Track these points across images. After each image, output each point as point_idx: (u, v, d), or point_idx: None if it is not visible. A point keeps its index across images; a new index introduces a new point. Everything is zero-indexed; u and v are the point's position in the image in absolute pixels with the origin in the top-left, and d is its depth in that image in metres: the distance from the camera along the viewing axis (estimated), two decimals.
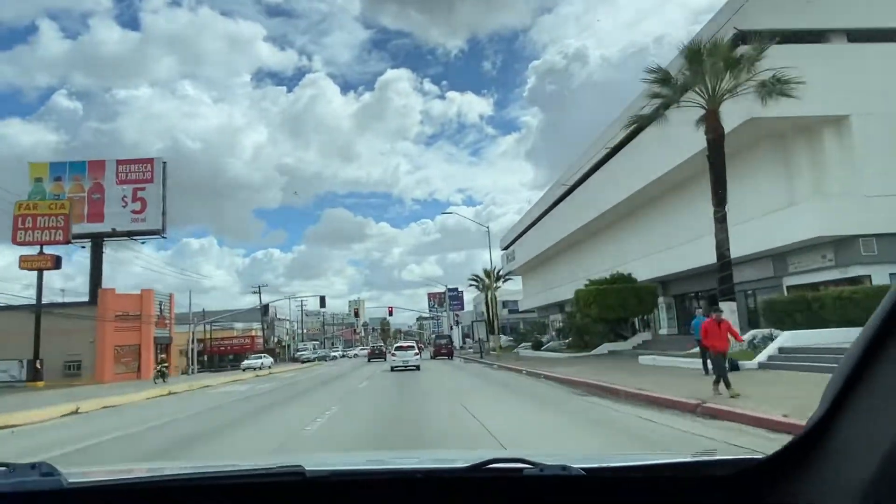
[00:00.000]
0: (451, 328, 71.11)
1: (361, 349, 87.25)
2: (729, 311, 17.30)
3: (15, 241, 42.15)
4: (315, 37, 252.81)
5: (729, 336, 10.39)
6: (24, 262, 41.18)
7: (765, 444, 6.04)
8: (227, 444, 8.53)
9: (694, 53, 17.07)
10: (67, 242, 43.60)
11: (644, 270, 31.07)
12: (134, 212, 48.98)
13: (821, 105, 20.63)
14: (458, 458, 1.60)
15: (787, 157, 23.05)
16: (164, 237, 50.68)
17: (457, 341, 61.20)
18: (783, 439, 1.34)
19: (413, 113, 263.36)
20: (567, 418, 9.71)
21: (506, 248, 64.23)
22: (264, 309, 57.83)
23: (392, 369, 28.33)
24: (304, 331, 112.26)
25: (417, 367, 28.05)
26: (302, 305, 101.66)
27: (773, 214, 22.89)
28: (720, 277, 17.99)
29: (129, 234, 48.86)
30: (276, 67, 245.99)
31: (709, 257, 27.10)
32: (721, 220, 17.80)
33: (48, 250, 43.13)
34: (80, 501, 1.36)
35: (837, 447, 0.99)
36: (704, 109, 18.05)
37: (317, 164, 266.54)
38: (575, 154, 44.37)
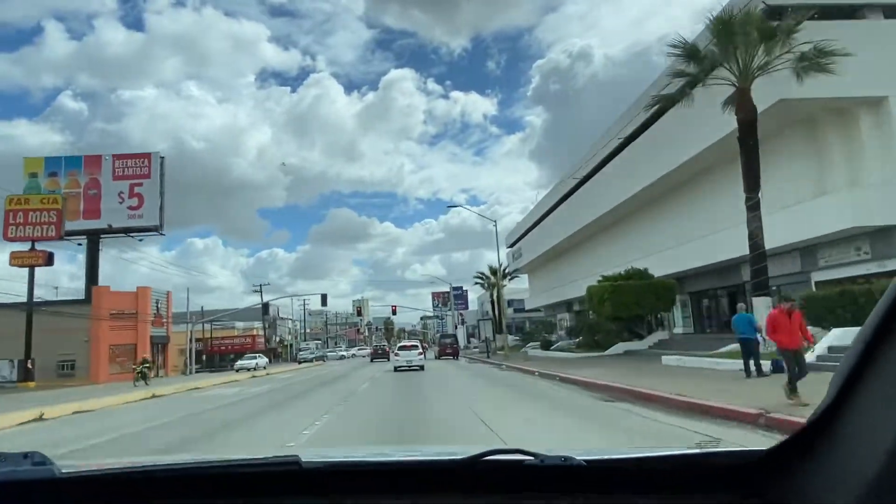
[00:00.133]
0: (456, 327, 69.63)
1: (360, 349, 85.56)
2: (764, 306, 15.82)
3: (6, 237, 40.85)
4: (319, 37, 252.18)
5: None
6: (15, 259, 39.88)
7: None
8: None
9: (724, 25, 15.55)
10: (60, 238, 42.27)
11: (658, 267, 29.54)
12: (131, 208, 47.68)
13: (856, 86, 19.10)
14: (460, 451, 1.42)
15: (817, 143, 21.54)
16: (161, 234, 49.34)
17: (461, 341, 59.70)
18: None
19: (417, 112, 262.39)
20: (601, 430, 8.23)
21: (512, 245, 62.70)
22: (265, 308, 56.35)
23: (395, 369, 27.54)
24: (308, 330, 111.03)
25: (421, 368, 27.28)
26: (304, 305, 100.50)
27: (802, 205, 21.38)
28: (753, 270, 16.47)
29: (126, 231, 47.54)
30: (280, 67, 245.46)
31: (728, 252, 25.72)
32: (754, 207, 16.30)
33: (41, 246, 41.86)
34: (72, 491, 1.34)
35: (841, 439, 0.97)
36: (735, 87, 16.55)
37: (321, 163, 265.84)
38: (582, 150, 42.95)
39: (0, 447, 1.70)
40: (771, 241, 22.38)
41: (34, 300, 40.55)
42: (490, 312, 58.09)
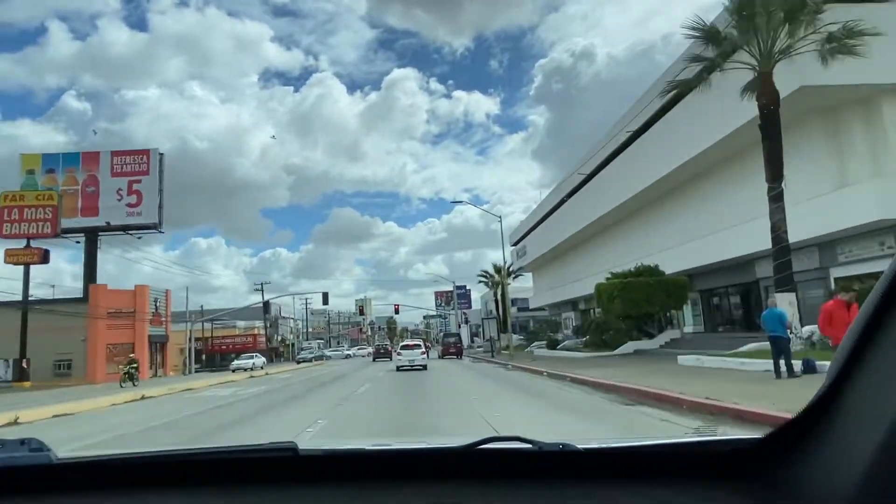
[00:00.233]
0: (459, 326, 68.78)
1: (360, 349, 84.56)
2: (787, 303, 14.94)
3: (1, 235, 40.08)
4: (321, 36, 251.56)
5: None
6: (10, 257, 39.11)
7: None
8: None
9: (746, 4, 14.62)
10: (56, 236, 41.48)
11: (666, 264, 28.60)
12: (129, 205, 46.91)
13: (881, 73, 18.17)
14: (459, 442, 1.40)
15: (838, 134, 20.61)
16: (160, 231, 48.51)
17: (465, 340, 58.79)
18: None
19: (419, 112, 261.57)
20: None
21: (516, 243, 61.74)
22: (265, 306, 55.51)
23: (398, 369, 27.15)
24: (310, 329, 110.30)
25: (424, 367, 26.78)
26: (307, 304, 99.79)
27: (821, 198, 20.43)
28: (777, 264, 15.54)
29: (125, 229, 46.75)
30: (282, 67, 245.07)
31: (740, 248, 24.83)
32: (777, 197, 15.39)
33: (38, 244, 41.08)
34: (68, 476, 1.35)
35: (838, 424, 0.97)
36: (755, 72, 15.64)
37: (324, 163, 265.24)
38: (584, 150, 42.10)
39: None
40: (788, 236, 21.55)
41: (30, 299, 39.86)
42: (494, 311, 57.22)
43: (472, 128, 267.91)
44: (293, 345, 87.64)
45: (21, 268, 39.50)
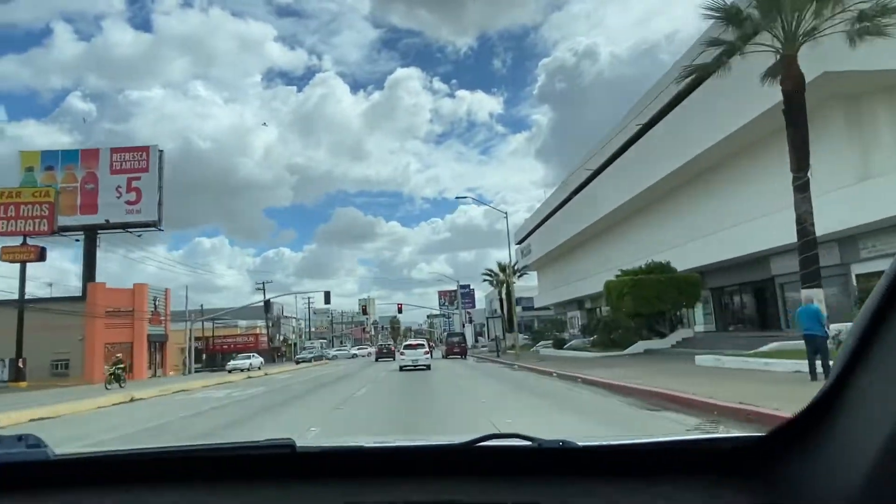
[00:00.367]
0: (464, 326, 67.92)
1: (360, 348, 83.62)
2: (816, 300, 14.02)
3: None
4: (325, 36, 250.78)
5: None
6: (6, 254, 38.38)
7: None
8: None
9: None
10: (52, 233, 40.76)
11: (676, 262, 27.69)
12: (128, 203, 46.18)
13: None
14: (458, 439, 1.39)
15: (861, 123, 19.70)
16: (160, 229, 47.69)
17: (469, 340, 57.88)
18: None
19: (423, 111, 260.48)
20: None
21: (520, 241, 60.79)
22: (266, 305, 54.71)
23: (401, 369, 26.73)
24: (313, 329, 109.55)
25: (428, 367, 26.28)
26: (309, 303, 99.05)
27: (843, 190, 19.52)
28: (803, 259, 14.61)
29: (124, 227, 46.02)
30: (286, 67, 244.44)
31: (755, 244, 23.91)
32: (802, 187, 14.47)
33: (36, 241, 40.37)
34: (65, 473, 1.34)
35: (840, 422, 0.96)
36: (778, 55, 14.73)
37: (327, 162, 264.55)
38: (588, 149, 41.10)
39: None
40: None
41: (29, 297, 39.18)
42: (498, 310, 56.36)
43: (475, 127, 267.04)
44: (295, 344, 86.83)
45: (28, 266, 38.90)
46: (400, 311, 70.72)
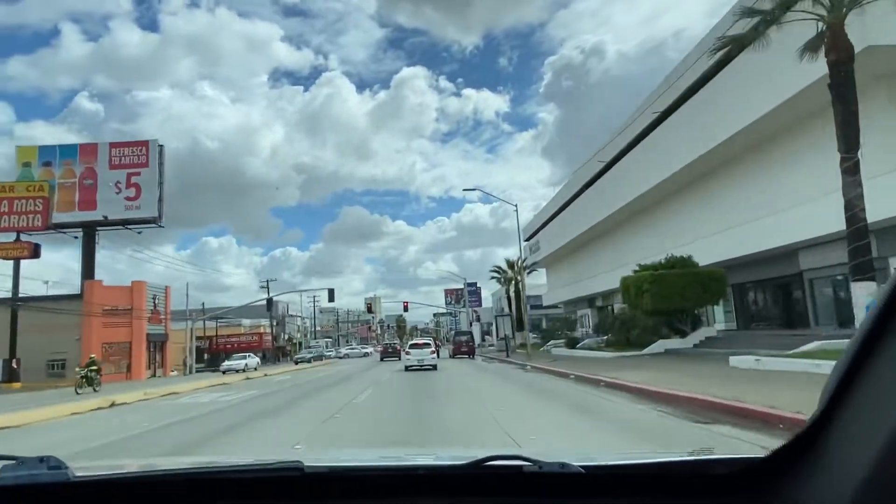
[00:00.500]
0: (471, 324, 66.53)
1: (350, 348, 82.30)
2: (866, 293, 12.57)
3: None
4: (331, 36, 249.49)
5: None
6: None
7: None
8: None
9: None
10: (46, 228, 39.62)
11: (693, 258, 26.22)
12: (128, 198, 45.11)
13: None
14: (464, 455, 1.47)
15: None
16: (160, 226, 46.63)
17: (476, 339, 56.44)
18: None
19: (429, 110, 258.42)
20: None
21: (529, 238, 59.29)
22: (269, 303, 53.44)
23: (406, 369, 25.93)
24: (318, 328, 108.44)
25: (434, 367, 25.47)
26: (314, 301, 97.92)
27: (884, 178, 18.00)
28: (853, 249, 13.12)
29: (123, 223, 44.96)
30: (292, 67, 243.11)
31: (782, 238, 22.37)
32: (852, 170, 13.00)
33: (34, 238, 39.32)
34: (84, 494, 1.38)
35: (837, 445, 0.98)
36: (823, 22, 13.25)
37: (333, 162, 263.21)
38: (595, 146, 39.69)
39: None
40: (836, 224, 19.24)
41: (23, 295, 38.09)
42: (506, 309, 54.93)
43: (481, 126, 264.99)
44: (300, 343, 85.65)
45: (35, 265, 37.74)
46: (406, 309, 69.26)
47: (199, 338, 54.75)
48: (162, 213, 45.54)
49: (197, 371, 46.91)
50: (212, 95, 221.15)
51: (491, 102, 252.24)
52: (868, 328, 0.89)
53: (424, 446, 7.01)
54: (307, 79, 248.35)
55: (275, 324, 71.52)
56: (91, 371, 26.04)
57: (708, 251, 25.73)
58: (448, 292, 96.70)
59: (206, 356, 57.47)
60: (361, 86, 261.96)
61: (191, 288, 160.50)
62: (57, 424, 11.88)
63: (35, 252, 38.30)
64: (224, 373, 37.48)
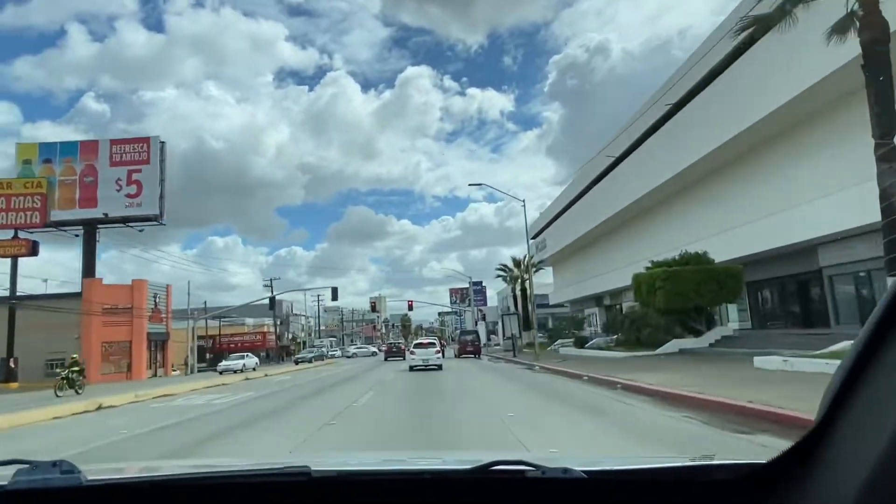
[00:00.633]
0: (476, 323, 65.70)
1: (357, 347, 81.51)
2: None
3: None
4: (336, 35, 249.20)
5: None
6: None
7: None
8: None
9: None
10: (45, 226, 38.97)
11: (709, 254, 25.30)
12: (129, 196, 44.43)
13: None
14: (470, 459, 1.49)
15: None
16: (162, 224, 45.90)
17: (481, 338, 55.61)
18: None
19: (433, 110, 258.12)
20: None
21: (535, 236, 58.39)
22: (271, 302, 52.73)
23: (411, 369, 25.50)
24: (323, 327, 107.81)
25: (439, 367, 24.98)
26: (318, 300, 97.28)
27: None
28: (889, 242, 12.19)
29: (124, 221, 44.29)
30: (297, 66, 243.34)
31: (800, 233, 21.46)
32: (888, 156, 12.06)
33: (30, 236, 38.70)
34: (96, 498, 1.39)
35: (839, 450, 0.97)
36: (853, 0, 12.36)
37: (338, 161, 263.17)
38: (599, 145, 38.74)
39: None
40: (861, 217, 18.39)
41: (21, 294, 37.51)
42: (512, 308, 54.05)
43: (485, 125, 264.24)
44: (304, 343, 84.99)
45: (41, 265, 37.14)
46: (410, 308, 68.69)
47: (201, 337, 54.04)
48: (163, 210, 44.90)
49: (199, 371, 46.22)
50: (217, 95, 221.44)
51: (495, 101, 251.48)
52: (870, 331, 0.88)
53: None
54: (312, 78, 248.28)
55: (279, 323, 70.86)
56: (73, 372, 24.32)
57: (722, 248, 24.83)
58: (453, 291, 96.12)
59: (208, 355, 56.74)
60: (366, 85, 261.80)
61: (197, 288, 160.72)
62: (31, 430, 11.10)
63: (33, 250, 37.69)
64: (221, 373, 36.32)
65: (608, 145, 37.59)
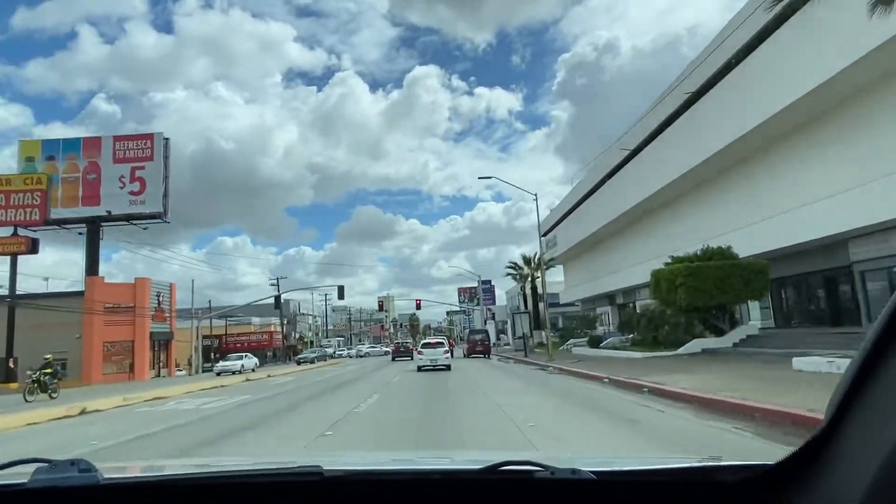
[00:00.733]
0: (485, 322, 64.62)
1: (370, 347, 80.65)
2: None
3: None
4: (344, 36, 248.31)
5: None
6: None
7: None
8: None
9: None
10: (45, 223, 38.25)
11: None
12: (132, 193, 43.75)
13: None
14: (478, 459, 1.48)
15: None
16: (166, 221, 45.16)
17: (491, 337, 54.56)
18: None
19: (441, 109, 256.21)
20: None
21: (545, 233, 57.17)
22: (277, 301, 51.90)
23: (419, 369, 24.85)
24: (331, 327, 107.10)
25: (448, 368, 24.33)
26: (326, 299, 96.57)
27: None
28: None
29: (128, 218, 43.56)
30: (305, 67, 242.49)
31: (828, 227, 20.23)
32: None
33: (32, 234, 38.00)
34: (113, 497, 1.41)
35: (844, 453, 0.97)
36: None
37: (347, 161, 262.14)
38: (607, 143, 37.51)
39: None
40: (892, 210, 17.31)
41: (21, 292, 36.82)
42: (522, 306, 52.92)
43: (494, 124, 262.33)
44: (311, 342, 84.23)
45: (49, 267, 36.50)
46: (419, 307, 67.76)
47: (207, 336, 53.36)
48: (167, 207, 44.19)
49: (204, 371, 45.44)
50: (226, 96, 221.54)
51: (504, 101, 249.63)
52: (880, 331, 0.88)
53: None
54: (320, 79, 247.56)
55: (285, 322, 70.11)
56: (43, 374, 21.86)
57: (743, 243, 23.61)
58: (461, 290, 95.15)
59: (214, 355, 56.02)
60: (374, 85, 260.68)
61: (207, 287, 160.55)
62: (9, 436, 10.14)
63: (33, 247, 36.97)
64: (218, 374, 34.99)
65: (621, 137, 36.41)
